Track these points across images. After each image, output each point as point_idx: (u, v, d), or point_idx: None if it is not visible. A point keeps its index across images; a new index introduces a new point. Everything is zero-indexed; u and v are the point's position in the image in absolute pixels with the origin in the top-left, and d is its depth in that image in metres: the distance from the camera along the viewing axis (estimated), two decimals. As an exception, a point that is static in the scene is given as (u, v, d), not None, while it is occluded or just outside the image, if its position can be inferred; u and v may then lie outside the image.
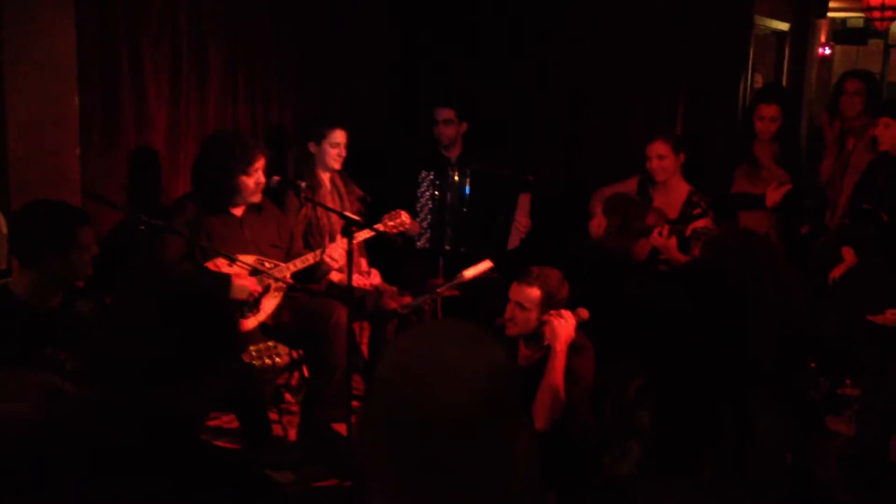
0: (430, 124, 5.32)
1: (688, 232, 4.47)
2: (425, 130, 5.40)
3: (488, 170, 5.20)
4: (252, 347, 3.78)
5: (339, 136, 4.61)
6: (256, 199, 4.17)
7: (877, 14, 6.40)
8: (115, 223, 4.15)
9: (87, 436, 1.68)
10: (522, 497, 1.34)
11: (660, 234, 4.59)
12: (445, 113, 5.26)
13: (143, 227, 3.72)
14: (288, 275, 4.12)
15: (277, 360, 3.74)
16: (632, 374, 2.42)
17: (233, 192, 4.09)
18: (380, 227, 4.35)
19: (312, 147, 4.63)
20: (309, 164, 4.65)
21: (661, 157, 4.81)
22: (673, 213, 4.81)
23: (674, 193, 4.88)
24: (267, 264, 4.09)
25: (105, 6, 4.08)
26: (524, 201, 5.15)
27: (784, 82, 7.30)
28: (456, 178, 5.16)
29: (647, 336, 2.49)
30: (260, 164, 4.11)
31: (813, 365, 3.77)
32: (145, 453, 1.66)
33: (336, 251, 4.23)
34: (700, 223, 4.56)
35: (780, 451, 2.45)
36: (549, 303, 3.38)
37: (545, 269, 3.46)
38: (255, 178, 4.10)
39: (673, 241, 4.55)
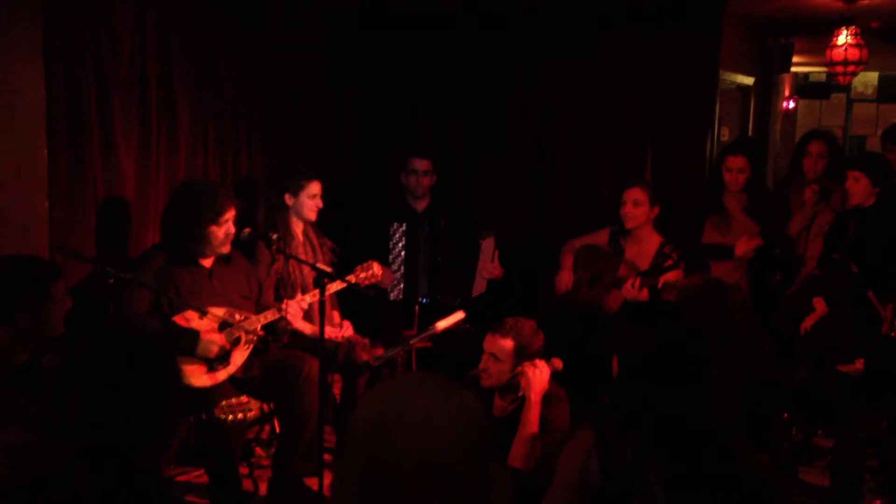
0: (400, 175, 5.33)
1: (659, 284, 4.49)
2: (395, 180, 5.42)
3: (455, 220, 5.23)
4: (224, 402, 3.73)
5: (315, 187, 4.61)
6: (226, 249, 4.15)
7: (839, 69, 6.52)
8: (83, 276, 4.09)
9: (53, 492, 1.67)
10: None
11: (632, 286, 4.60)
12: (424, 164, 5.27)
13: (111, 281, 3.68)
14: (258, 327, 4.08)
15: (249, 414, 3.70)
16: (623, 431, 2.40)
17: (202, 242, 4.06)
18: (351, 278, 4.33)
19: (289, 199, 4.62)
20: (282, 216, 4.63)
21: (637, 202, 4.85)
22: (644, 265, 4.83)
23: (645, 244, 4.91)
24: (238, 316, 4.06)
25: (73, 57, 4.06)
26: (488, 247, 5.15)
27: (750, 135, 7.42)
28: (427, 229, 5.17)
29: (624, 382, 2.48)
30: (230, 214, 4.09)
31: (785, 415, 3.78)
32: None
33: (292, 306, 4.21)
34: (671, 275, 4.58)
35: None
36: (523, 354, 3.37)
37: (519, 321, 3.45)
38: (224, 229, 4.08)
39: (645, 293, 4.56)
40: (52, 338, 3.09)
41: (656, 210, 4.90)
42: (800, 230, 5.08)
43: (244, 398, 3.73)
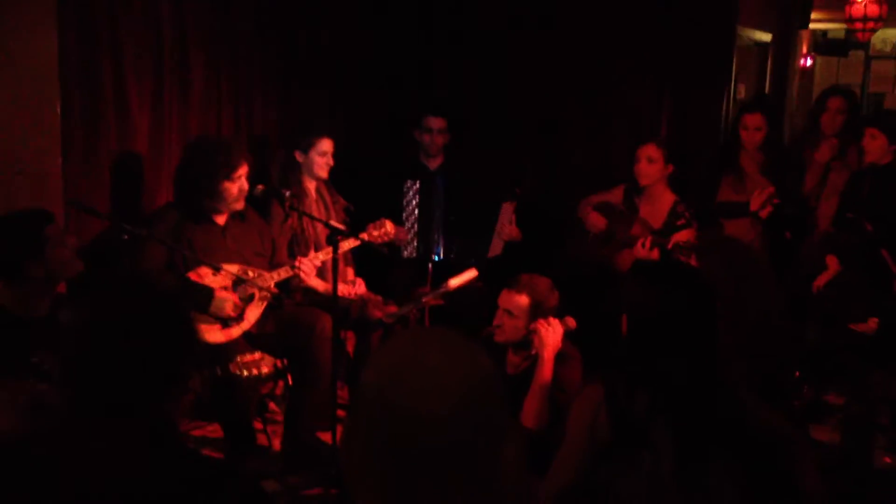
0: (413, 132, 5.31)
1: (670, 245, 4.47)
2: (408, 138, 5.39)
3: (478, 180, 5.21)
4: (238, 358, 3.76)
5: (326, 144, 4.59)
6: (239, 206, 4.15)
7: (858, 25, 6.46)
8: (97, 232, 4.11)
9: (69, 446, 1.69)
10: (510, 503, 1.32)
11: (643, 245, 4.59)
12: (439, 122, 5.24)
13: (125, 237, 3.69)
14: (272, 284, 4.10)
15: (263, 370, 3.73)
16: (631, 386, 2.41)
17: (215, 198, 4.06)
18: (364, 236, 4.33)
19: (299, 156, 4.61)
20: (295, 173, 4.62)
21: (651, 160, 4.80)
22: (657, 223, 4.81)
23: (659, 203, 4.88)
24: (251, 273, 4.07)
25: (86, 12, 4.04)
26: (507, 209, 5.14)
27: (767, 93, 7.35)
28: (441, 187, 5.16)
29: (633, 339, 2.49)
30: (243, 170, 4.08)
31: (797, 373, 3.78)
32: (129, 460, 1.66)
33: (305, 264, 4.22)
34: (683, 236, 4.55)
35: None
36: (538, 311, 3.37)
37: (534, 277, 3.45)
38: (238, 185, 4.07)
39: (656, 253, 4.55)
40: (71, 280, 3.11)
41: (670, 168, 4.85)
42: (813, 186, 5.05)
43: (258, 354, 3.75)
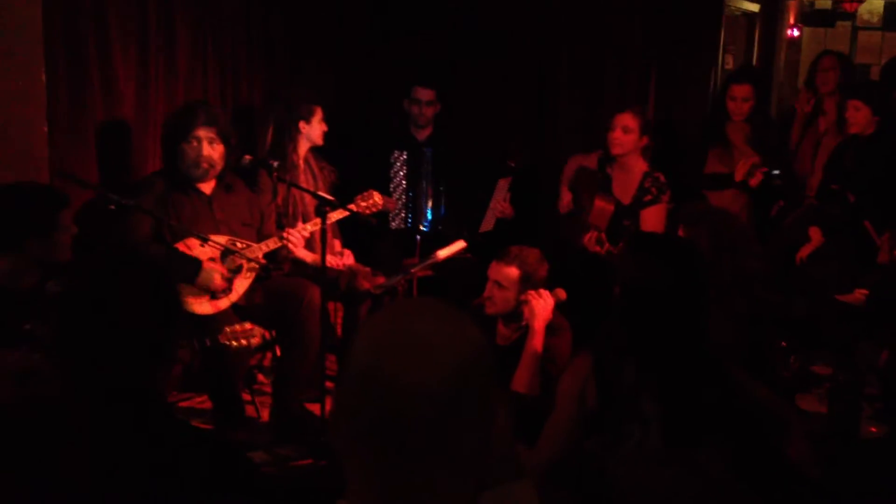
0: (402, 102, 5.28)
1: (603, 250, 4.43)
2: (396, 109, 5.36)
3: (467, 151, 5.18)
4: (227, 328, 3.75)
5: (321, 112, 4.58)
6: (213, 173, 4.09)
7: (846, -5, 6.46)
8: (84, 202, 4.08)
9: (59, 416, 1.69)
10: (498, 474, 1.33)
11: (589, 240, 4.52)
12: (428, 93, 5.19)
13: (112, 207, 3.67)
14: (260, 255, 4.08)
15: (252, 341, 3.72)
16: (619, 357, 2.42)
17: (181, 161, 4.01)
18: (353, 207, 4.32)
19: (303, 126, 4.57)
20: (294, 143, 4.56)
21: (626, 129, 4.63)
22: (628, 195, 4.69)
23: (632, 174, 4.73)
24: (239, 244, 4.05)
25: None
26: (503, 186, 5.12)
27: (754, 63, 7.34)
28: (430, 158, 5.14)
29: (624, 313, 2.50)
30: (203, 132, 4.02)
31: (784, 343, 3.80)
32: (117, 431, 1.67)
33: (294, 235, 4.20)
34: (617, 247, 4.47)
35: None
36: (528, 282, 3.38)
37: (524, 249, 3.46)
38: (196, 148, 4.01)
39: (599, 249, 4.48)
40: (57, 263, 3.10)
41: (645, 140, 4.68)
42: (798, 141, 5.11)
43: (248, 325, 3.75)
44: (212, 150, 4.05)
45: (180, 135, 4.00)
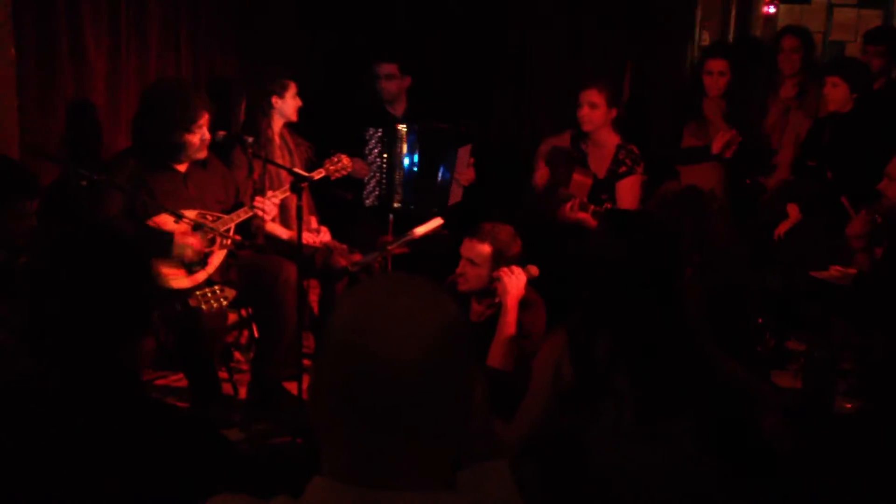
0: (373, 79, 5.22)
1: (589, 211, 4.43)
2: (369, 86, 5.30)
3: (433, 125, 5.13)
4: (198, 292, 3.71)
5: (294, 87, 4.53)
6: (202, 155, 4.07)
7: (821, -28, 6.46)
8: (54, 178, 4.03)
9: (29, 395, 1.67)
10: (474, 451, 1.32)
11: (570, 209, 4.51)
12: (387, 68, 5.12)
13: (84, 183, 3.62)
14: (233, 227, 4.04)
15: (224, 302, 3.68)
16: (593, 334, 2.42)
17: (176, 149, 3.98)
18: (321, 171, 4.28)
19: (276, 101, 4.52)
20: (267, 119, 4.51)
21: (593, 105, 4.63)
22: (603, 169, 4.72)
23: (605, 148, 4.73)
24: (209, 217, 4.01)
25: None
26: (464, 154, 5.09)
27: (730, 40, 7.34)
28: (404, 134, 5.09)
29: (592, 288, 2.50)
30: (203, 120, 3.99)
31: (760, 320, 3.82)
32: (90, 410, 1.65)
33: (265, 203, 4.16)
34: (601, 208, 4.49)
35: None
36: (500, 259, 3.37)
37: (497, 226, 3.45)
38: (199, 135, 3.99)
39: (581, 216, 4.48)
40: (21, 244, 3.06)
41: (614, 112, 4.69)
42: (773, 124, 5.12)
43: (218, 287, 3.70)
44: (207, 133, 4.03)
45: (182, 126, 3.93)
